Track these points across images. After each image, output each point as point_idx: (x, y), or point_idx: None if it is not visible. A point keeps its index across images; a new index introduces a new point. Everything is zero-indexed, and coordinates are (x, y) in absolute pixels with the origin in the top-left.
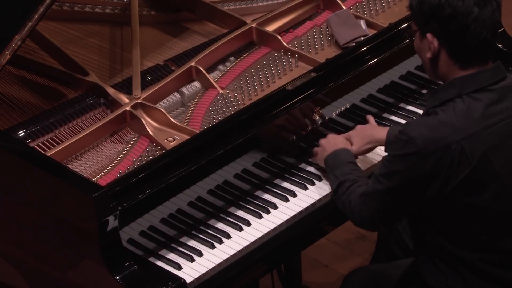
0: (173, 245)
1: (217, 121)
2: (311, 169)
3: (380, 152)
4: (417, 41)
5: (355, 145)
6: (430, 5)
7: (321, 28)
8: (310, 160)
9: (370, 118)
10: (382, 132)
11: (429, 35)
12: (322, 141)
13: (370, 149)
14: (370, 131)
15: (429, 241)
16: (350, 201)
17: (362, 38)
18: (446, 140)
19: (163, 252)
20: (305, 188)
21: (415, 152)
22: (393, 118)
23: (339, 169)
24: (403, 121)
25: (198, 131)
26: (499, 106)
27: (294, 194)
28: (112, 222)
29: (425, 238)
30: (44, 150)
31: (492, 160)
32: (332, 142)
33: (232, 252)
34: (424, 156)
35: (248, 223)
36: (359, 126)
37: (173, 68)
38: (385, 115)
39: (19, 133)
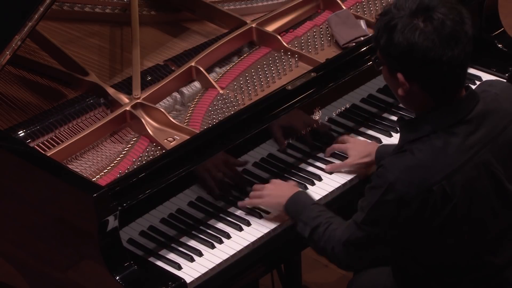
0: (173, 245)
1: (217, 121)
2: (310, 169)
3: None
4: (386, 74)
5: (351, 158)
6: (400, 49)
7: (321, 28)
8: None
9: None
10: (375, 148)
11: (399, 76)
12: (268, 186)
13: (367, 164)
14: (369, 146)
15: (410, 272)
16: (333, 247)
17: (362, 38)
18: (427, 182)
19: (163, 252)
20: (305, 188)
21: (396, 198)
22: (393, 118)
23: (304, 214)
24: None
25: (198, 131)
26: (476, 136)
27: None
28: (112, 222)
29: (405, 270)
30: (44, 150)
31: (470, 193)
32: (279, 186)
33: (232, 252)
34: (406, 202)
35: (248, 223)
36: (356, 140)
37: (173, 68)
38: (385, 115)
39: (19, 133)
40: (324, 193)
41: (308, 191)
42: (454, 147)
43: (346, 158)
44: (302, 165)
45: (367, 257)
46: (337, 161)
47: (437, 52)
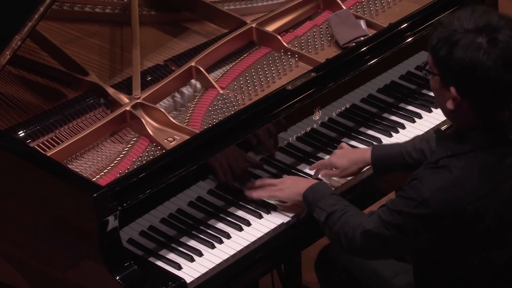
0: (173, 245)
1: (217, 121)
2: (309, 172)
3: None
4: (435, 84)
5: (340, 169)
6: (461, 65)
7: (321, 28)
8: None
9: (344, 145)
10: (368, 153)
11: (453, 90)
12: (286, 180)
13: (360, 169)
14: (356, 152)
15: (432, 280)
16: (347, 232)
17: (362, 38)
18: (461, 202)
19: (163, 252)
20: None
21: (429, 214)
22: (393, 118)
23: (322, 202)
24: (403, 121)
25: (198, 131)
26: (510, 160)
27: None
28: (112, 222)
29: (428, 278)
30: (44, 150)
31: (503, 216)
32: (294, 179)
33: (232, 252)
34: (439, 218)
35: (248, 223)
36: (337, 151)
37: (173, 68)
38: (385, 115)
39: (19, 133)
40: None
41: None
42: (491, 168)
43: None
44: (301, 166)
45: (383, 250)
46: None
47: (498, 74)
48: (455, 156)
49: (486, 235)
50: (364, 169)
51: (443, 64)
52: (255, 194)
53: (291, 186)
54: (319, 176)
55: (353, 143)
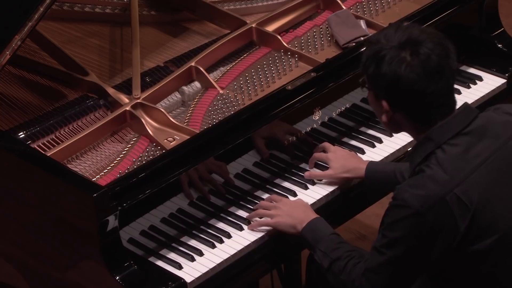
0: (173, 244)
1: (217, 121)
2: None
3: None
4: (371, 99)
5: (332, 170)
6: (386, 80)
7: (321, 28)
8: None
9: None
10: (363, 164)
11: (384, 104)
12: (280, 206)
13: (348, 178)
14: (352, 160)
15: None
16: (354, 280)
17: (362, 38)
18: (439, 193)
19: (163, 252)
20: (306, 188)
21: (412, 213)
22: None
23: (323, 244)
24: None
25: (198, 131)
26: (479, 146)
27: (294, 194)
28: (112, 222)
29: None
30: (44, 151)
31: (490, 199)
32: (291, 208)
33: (232, 252)
34: (422, 216)
35: (248, 223)
36: (338, 151)
37: (172, 69)
38: None
39: (19, 134)
40: (325, 192)
41: (308, 191)
42: (460, 157)
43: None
44: (303, 165)
45: (390, 283)
46: (318, 170)
47: (421, 85)
48: (424, 158)
49: (480, 226)
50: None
51: (373, 80)
52: (250, 227)
53: (284, 216)
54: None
55: (353, 143)
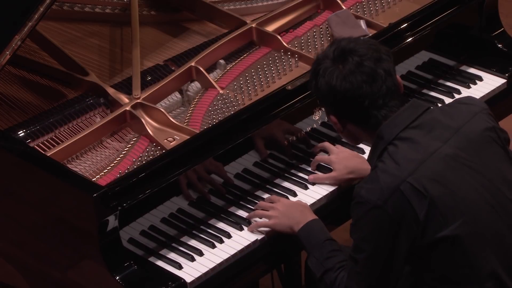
0: (173, 244)
1: (217, 121)
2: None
3: None
4: (326, 115)
5: (336, 172)
6: (322, 93)
7: (321, 28)
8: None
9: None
10: (367, 164)
11: (332, 118)
12: (278, 206)
13: (352, 179)
14: (356, 160)
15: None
16: None
17: (362, 38)
18: (393, 184)
19: (163, 252)
20: (306, 188)
21: (370, 208)
22: None
23: (317, 250)
24: None
25: (198, 131)
26: (430, 137)
27: (294, 194)
28: (112, 222)
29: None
30: (44, 150)
31: (446, 185)
32: (289, 208)
33: (232, 252)
34: (380, 208)
35: (249, 223)
36: (341, 152)
37: (173, 68)
38: None
39: (19, 133)
40: (325, 192)
41: (308, 190)
42: (410, 148)
43: (331, 169)
44: (303, 165)
45: (371, 285)
46: (320, 173)
47: (355, 92)
48: (378, 156)
49: (440, 211)
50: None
51: (316, 96)
52: (249, 229)
53: (281, 217)
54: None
55: None
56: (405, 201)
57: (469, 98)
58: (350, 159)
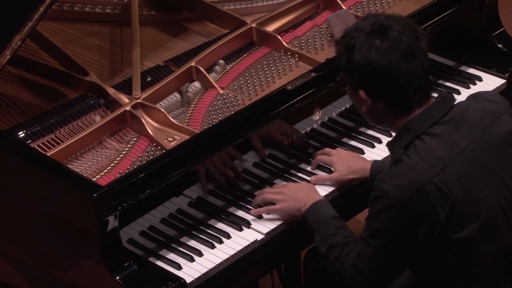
0: (173, 245)
1: (217, 121)
2: (310, 169)
3: None
4: (350, 93)
5: (338, 173)
6: (358, 66)
7: (321, 28)
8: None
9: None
10: (368, 164)
11: (361, 93)
12: (284, 190)
13: (354, 180)
14: (357, 160)
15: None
16: (347, 269)
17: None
18: (418, 182)
19: (163, 252)
20: None
21: (392, 204)
22: None
23: (323, 229)
24: None
25: (198, 131)
26: (458, 135)
27: None
28: (112, 222)
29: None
30: (44, 151)
31: (470, 188)
32: (296, 190)
33: (232, 252)
34: (403, 205)
35: (248, 223)
36: (342, 153)
37: (173, 68)
38: None
39: (19, 133)
40: (325, 193)
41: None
42: (439, 146)
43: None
44: (302, 165)
45: (379, 272)
46: (322, 173)
47: (393, 68)
48: (404, 148)
49: (460, 214)
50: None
51: (347, 71)
52: (254, 212)
53: (289, 200)
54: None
55: (352, 143)
56: (428, 201)
57: (493, 95)
58: (352, 159)
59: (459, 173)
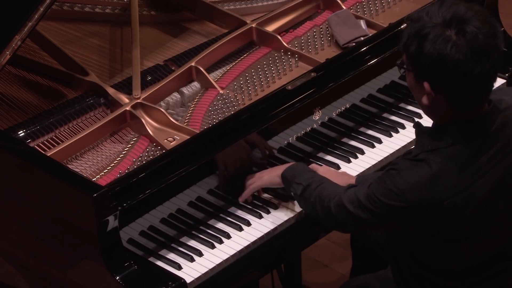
0: (173, 245)
1: (217, 121)
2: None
3: None
4: (411, 80)
5: None
6: (430, 60)
7: (321, 28)
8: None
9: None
10: (353, 179)
11: (426, 85)
12: (264, 170)
13: None
14: (344, 177)
15: (410, 271)
16: (322, 202)
17: (362, 38)
18: (439, 197)
19: (163, 252)
20: None
21: (405, 207)
22: (393, 118)
23: (299, 177)
24: (403, 121)
25: (198, 131)
26: (490, 153)
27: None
28: (112, 222)
29: (404, 268)
30: (44, 150)
31: (485, 209)
32: (272, 168)
33: (232, 252)
34: (415, 212)
35: (248, 223)
36: (329, 172)
37: (173, 68)
38: (385, 115)
39: (19, 133)
40: None
41: None
42: (471, 163)
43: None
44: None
45: (357, 229)
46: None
47: (468, 66)
48: (435, 150)
49: (464, 228)
50: None
51: (414, 59)
52: (241, 198)
53: (270, 172)
54: None
55: (353, 143)
56: (442, 215)
57: None
58: (337, 177)
59: (481, 194)
